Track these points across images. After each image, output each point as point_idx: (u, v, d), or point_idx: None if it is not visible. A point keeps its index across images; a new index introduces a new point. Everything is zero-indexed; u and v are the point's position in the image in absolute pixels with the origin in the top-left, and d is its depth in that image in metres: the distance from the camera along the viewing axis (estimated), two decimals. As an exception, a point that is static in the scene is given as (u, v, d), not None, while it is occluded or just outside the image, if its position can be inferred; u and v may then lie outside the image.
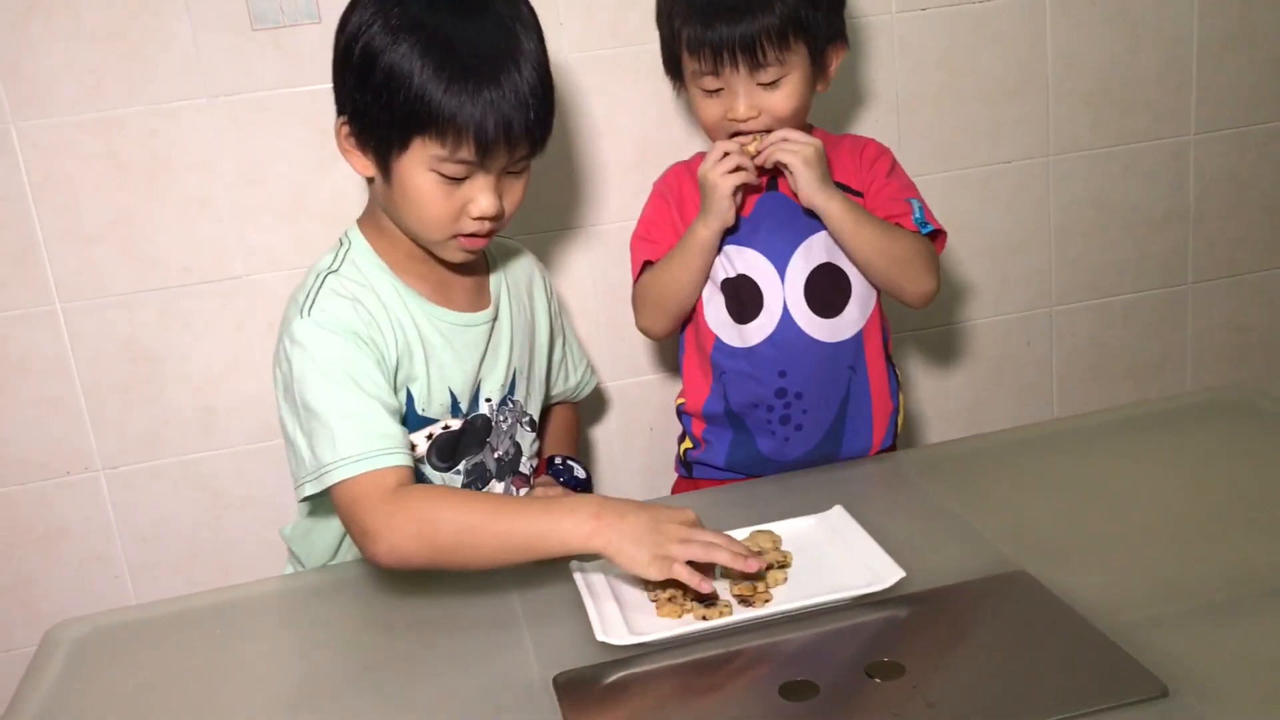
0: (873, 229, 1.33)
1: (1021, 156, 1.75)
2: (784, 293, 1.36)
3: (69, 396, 1.54)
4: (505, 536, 1.06)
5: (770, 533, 1.14)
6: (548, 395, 1.42)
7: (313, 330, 1.14)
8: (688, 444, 1.48)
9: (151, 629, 1.16)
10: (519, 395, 1.31)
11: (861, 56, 1.66)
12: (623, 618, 1.01)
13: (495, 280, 1.32)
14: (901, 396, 1.44)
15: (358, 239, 1.24)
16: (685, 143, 1.60)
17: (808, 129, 1.38)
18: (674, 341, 1.50)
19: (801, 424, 1.38)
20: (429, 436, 1.23)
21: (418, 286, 1.23)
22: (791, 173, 1.30)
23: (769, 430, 1.39)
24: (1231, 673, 0.89)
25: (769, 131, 1.31)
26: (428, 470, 1.24)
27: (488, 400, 1.27)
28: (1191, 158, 1.81)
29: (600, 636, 0.98)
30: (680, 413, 1.49)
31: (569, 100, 1.58)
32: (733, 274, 1.37)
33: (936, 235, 1.38)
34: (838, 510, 1.16)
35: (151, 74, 1.47)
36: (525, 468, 1.32)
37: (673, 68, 1.38)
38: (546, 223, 1.62)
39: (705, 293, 1.39)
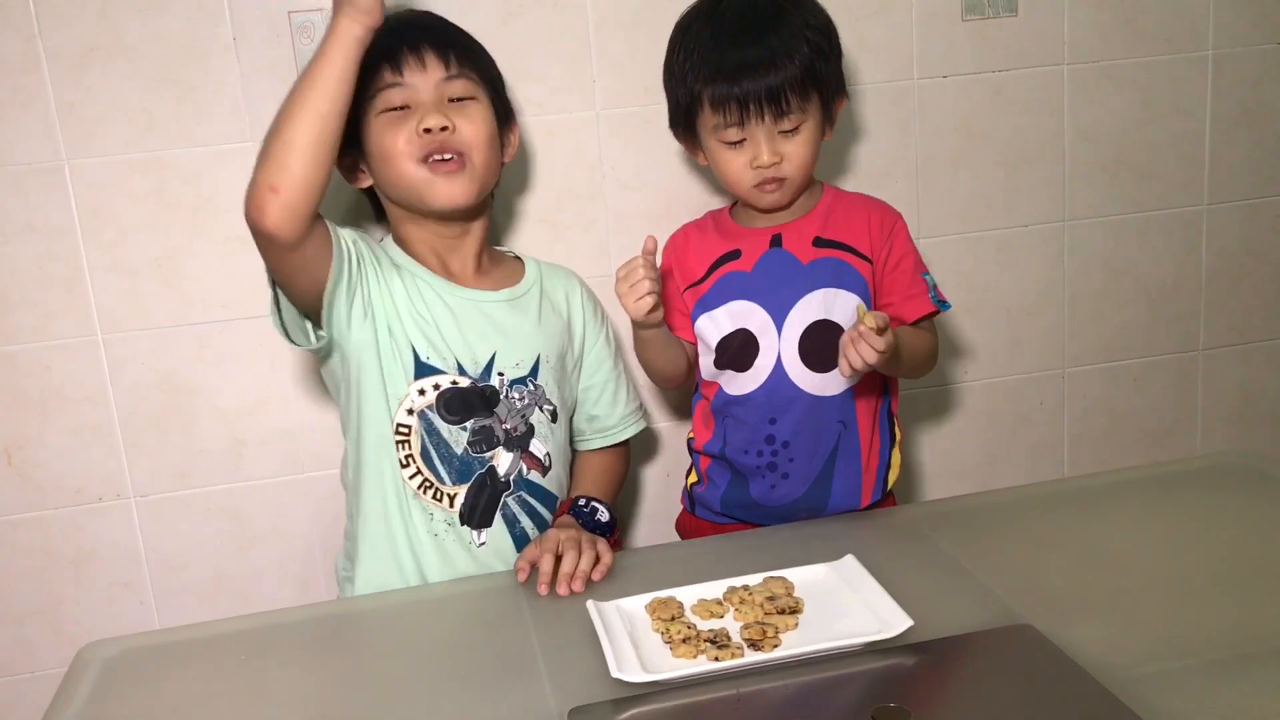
0: (910, 357, 1.38)
1: (1038, 221, 1.80)
2: (779, 345, 1.41)
3: (106, 425, 1.59)
4: (300, 88, 1.22)
5: (783, 579, 1.17)
6: (583, 417, 1.51)
7: None
8: (694, 478, 1.54)
9: (181, 652, 1.20)
10: (541, 381, 1.42)
11: (883, 121, 1.71)
12: (637, 656, 1.04)
13: (527, 281, 1.47)
14: (896, 453, 1.47)
15: (389, 239, 1.46)
16: (709, 198, 1.65)
17: (817, 184, 1.47)
18: (687, 388, 1.56)
19: (788, 472, 1.42)
20: (435, 386, 1.36)
21: (429, 263, 1.42)
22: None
23: (759, 475, 1.44)
24: (1229, 729, 0.91)
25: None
26: (437, 421, 1.36)
27: (500, 374, 1.40)
28: (1204, 227, 1.84)
29: (615, 673, 1.01)
30: (690, 448, 1.55)
31: (599, 154, 1.64)
32: (730, 330, 1.42)
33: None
34: (849, 559, 1.19)
35: (200, 117, 1.53)
36: (536, 449, 1.42)
37: (687, 127, 1.44)
38: (575, 270, 1.65)
39: (701, 347, 1.46)
